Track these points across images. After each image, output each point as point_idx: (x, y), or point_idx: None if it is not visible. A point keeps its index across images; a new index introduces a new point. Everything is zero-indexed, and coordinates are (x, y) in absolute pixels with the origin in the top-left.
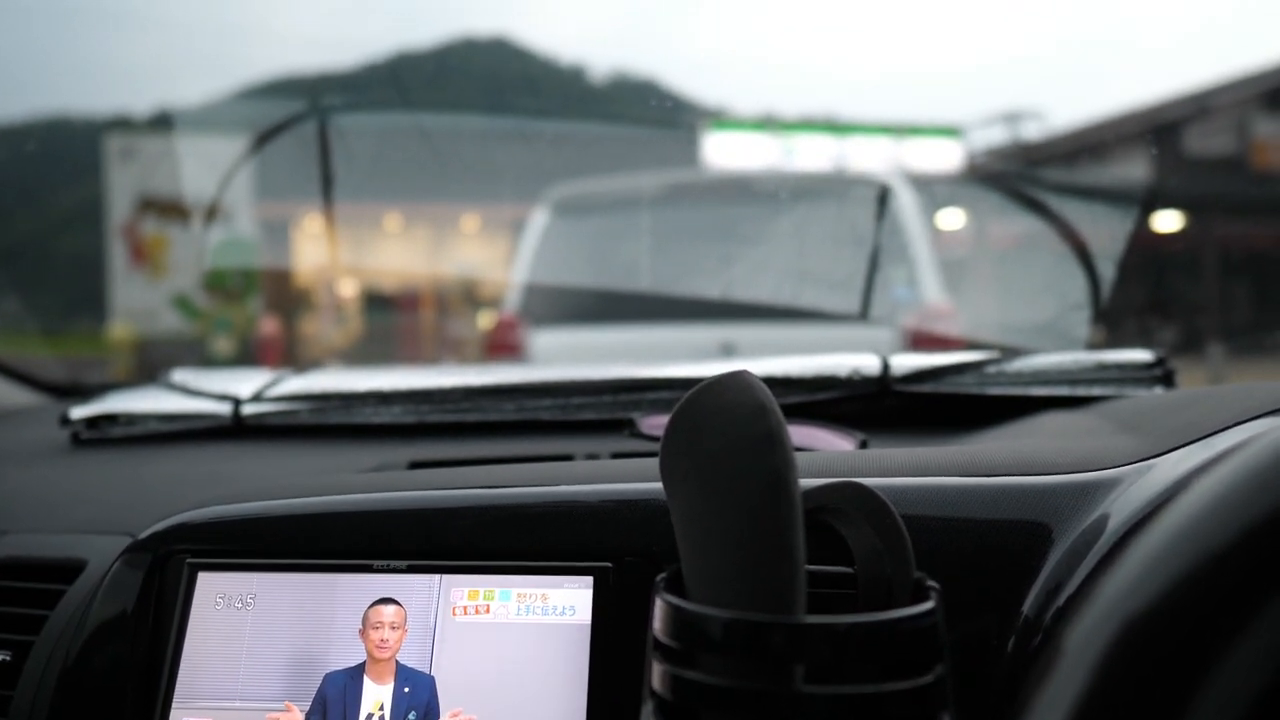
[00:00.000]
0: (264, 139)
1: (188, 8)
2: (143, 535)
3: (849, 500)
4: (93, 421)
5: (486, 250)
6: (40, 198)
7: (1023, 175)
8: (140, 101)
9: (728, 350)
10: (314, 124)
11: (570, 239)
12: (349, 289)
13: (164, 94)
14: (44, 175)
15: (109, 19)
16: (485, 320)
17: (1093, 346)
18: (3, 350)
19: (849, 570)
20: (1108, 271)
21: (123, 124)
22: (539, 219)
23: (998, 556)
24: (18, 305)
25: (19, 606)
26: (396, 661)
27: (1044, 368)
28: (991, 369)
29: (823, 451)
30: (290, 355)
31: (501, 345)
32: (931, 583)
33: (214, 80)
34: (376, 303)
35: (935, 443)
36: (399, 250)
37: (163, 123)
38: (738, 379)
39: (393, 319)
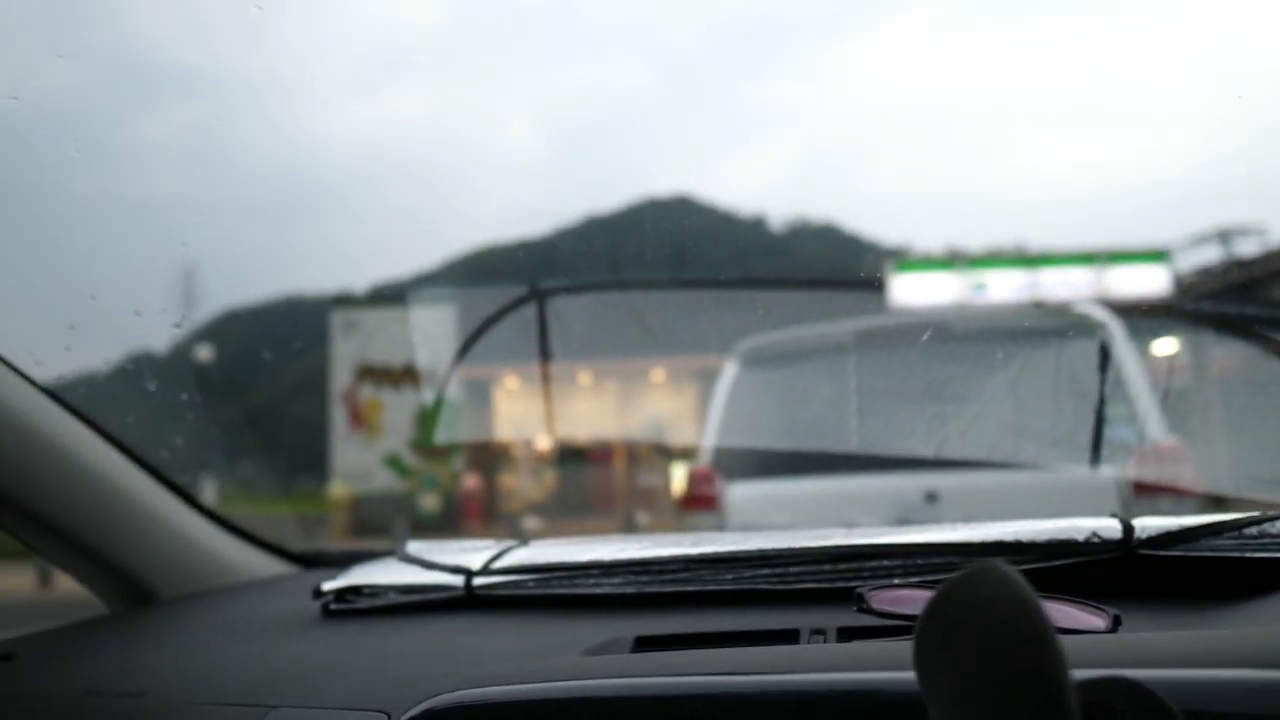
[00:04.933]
0: (492, 321)
1: (399, 196)
2: (400, 718)
3: (1123, 698)
4: (340, 593)
5: (674, 400)
6: (274, 369)
7: (1246, 302)
8: (360, 280)
9: (931, 499)
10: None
11: (760, 390)
12: (543, 443)
13: (381, 271)
14: (278, 349)
15: (332, 210)
16: (678, 471)
17: None
18: (243, 510)
19: None
20: None
21: (345, 300)
22: (728, 371)
23: None
24: (254, 468)
25: None
26: None
27: None
28: (1253, 530)
29: (1081, 636)
30: (490, 509)
31: (697, 498)
32: None
33: (424, 256)
34: (570, 456)
35: (1193, 616)
36: (590, 403)
37: (381, 297)
38: (993, 568)
39: (586, 471)
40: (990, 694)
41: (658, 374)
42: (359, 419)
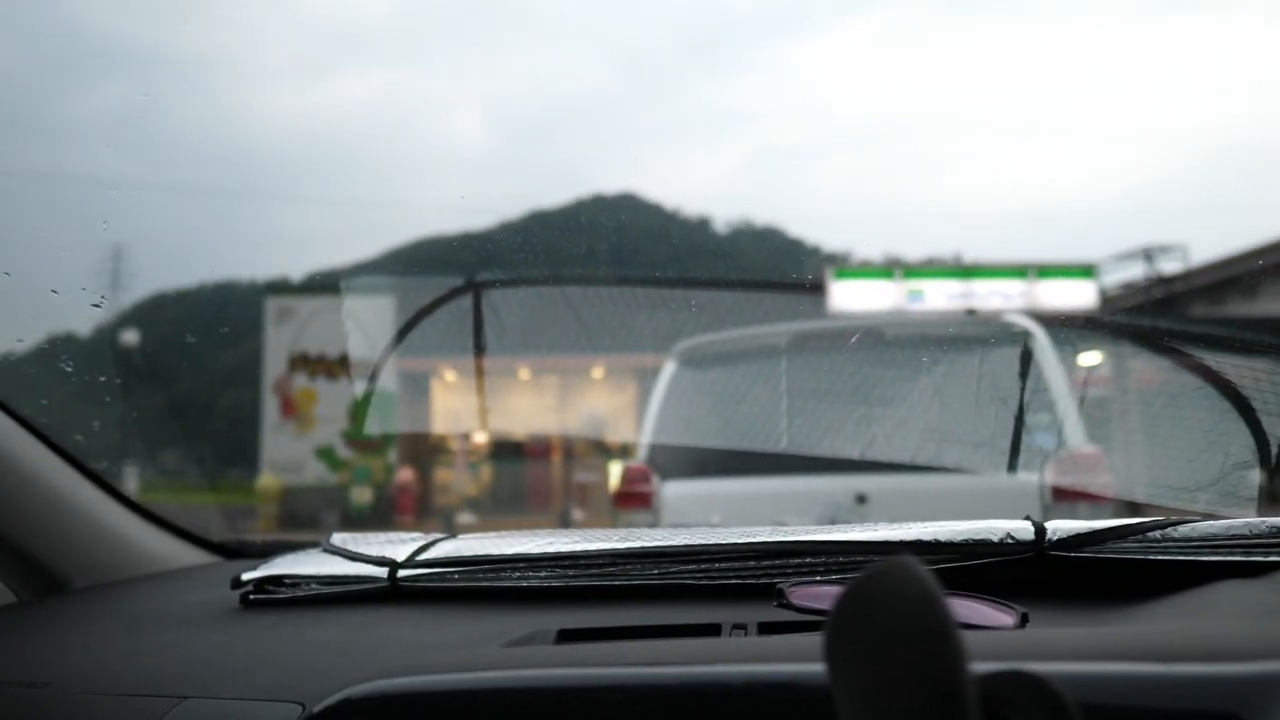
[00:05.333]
0: (425, 312)
1: (340, 183)
2: (315, 709)
3: (1022, 691)
4: (260, 584)
5: (614, 397)
6: (204, 356)
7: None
8: (297, 267)
9: (861, 500)
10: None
11: (697, 390)
12: (480, 437)
13: (319, 259)
14: (209, 335)
15: (270, 195)
16: (616, 469)
17: (1269, 497)
18: (168, 500)
19: None
20: (1276, 426)
21: (280, 287)
22: (666, 370)
23: None
24: (181, 457)
25: None
26: None
27: (1215, 533)
28: (1156, 534)
29: (987, 632)
30: (425, 504)
31: (632, 496)
32: None
33: (365, 245)
34: (507, 451)
35: (1098, 615)
36: (530, 399)
37: (317, 285)
38: (902, 566)
39: (523, 467)
40: (893, 686)
41: (598, 371)
42: (291, 409)
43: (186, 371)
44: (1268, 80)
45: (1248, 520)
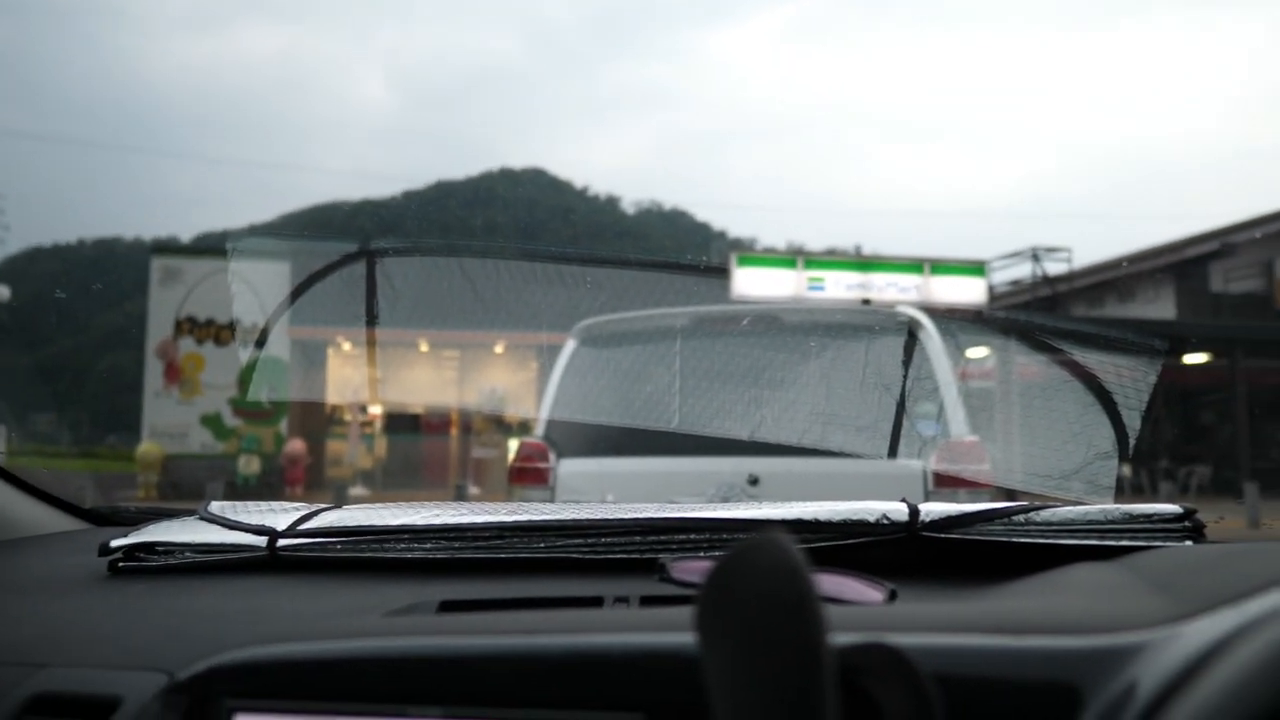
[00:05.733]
0: (315, 278)
1: (236, 141)
2: (181, 676)
3: (879, 661)
4: (130, 551)
5: (516, 373)
6: (84, 316)
7: (1045, 316)
8: (187, 228)
9: (754, 482)
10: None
11: (596, 368)
12: (377, 410)
13: (212, 220)
14: (90, 294)
15: (162, 150)
16: (514, 445)
17: (1133, 488)
18: (39, 466)
19: None
20: (1134, 419)
21: (167, 246)
22: (566, 349)
23: (1028, 719)
24: (54, 422)
25: None
26: None
27: (1073, 518)
28: (1020, 518)
29: (854, 606)
30: (316, 476)
31: (528, 472)
32: None
33: (261, 207)
34: (404, 424)
35: (963, 592)
36: (427, 372)
37: (206, 247)
38: (771, 541)
39: (420, 441)
40: (757, 656)
41: (500, 346)
42: (176, 374)
43: (62, 331)
44: (1152, 98)
45: (1103, 507)
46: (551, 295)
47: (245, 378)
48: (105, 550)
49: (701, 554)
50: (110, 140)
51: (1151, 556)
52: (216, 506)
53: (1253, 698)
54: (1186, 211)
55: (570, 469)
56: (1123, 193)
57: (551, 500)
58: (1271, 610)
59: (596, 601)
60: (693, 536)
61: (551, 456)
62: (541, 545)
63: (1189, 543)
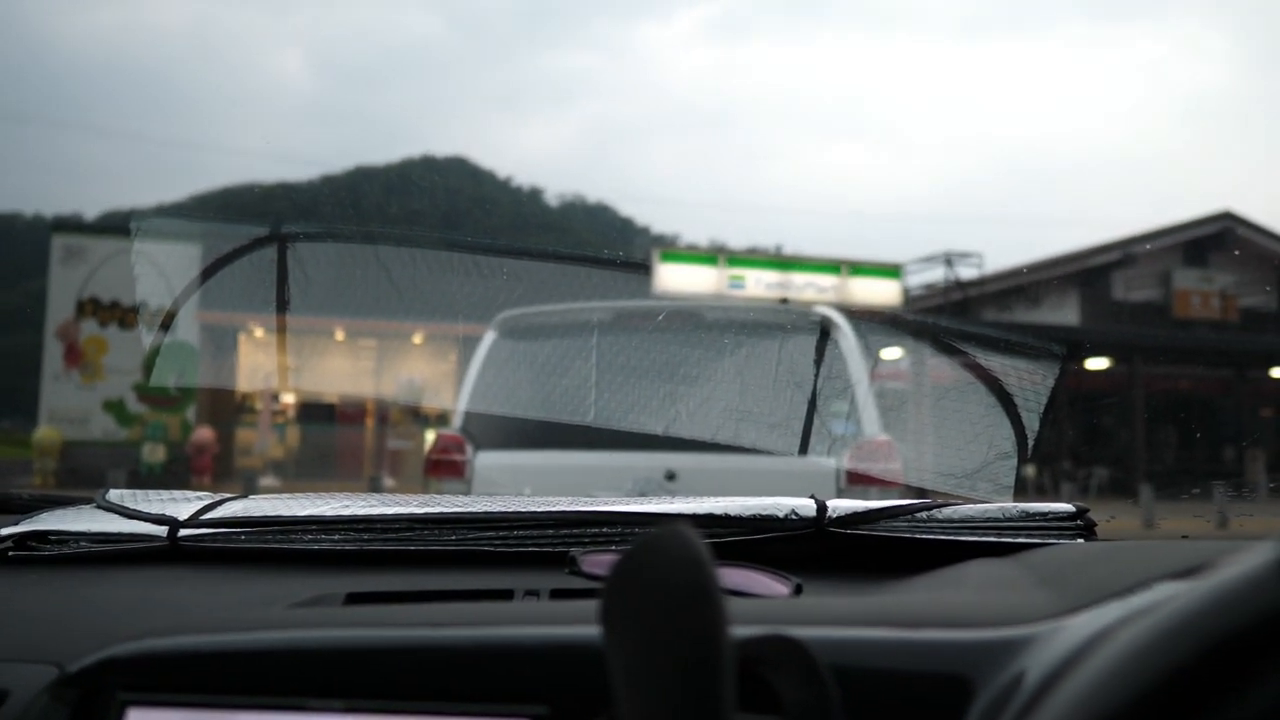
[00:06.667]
0: (225, 260)
1: (144, 116)
2: (72, 668)
3: (779, 653)
4: (21, 539)
5: (434, 364)
6: None
7: (955, 319)
8: (92, 205)
9: (671, 477)
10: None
11: (514, 361)
12: (289, 398)
13: (116, 199)
14: None
15: (63, 123)
16: (431, 437)
17: (1036, 488)
18: None
19: None
20: (1034, 421)
21: (69, 224)
22: (485, 340)
23: (923, 710)
24: None
25: None
26: None
27: (973, 515)
28: (923, 515)
29: (757, 599)
30: (225, 465)
31: (444, 464)
32: None
33: (170, 186)
34: (318, 414)
35: (867, 587)
36: (343, 360)
37: (112, 226)
38: (675, 533)
39: (333, 431)
40: (658, 648)
41: (418, 336)
42: (77, 357)
43: None
44: (1061, 106)
45: (1002, 505)
46: (471, 286)
47: (150, 363)
48: None
49: (613, 547)
50: (8, 110)
51: (1044, 553)
52: (115, 495)
53: (1131, 681)
54: (1084, 216)
55: (487, 462)
56: (1035, 198)
57: (468, 493)
58: (1153, 603)
59: (507, 594)
60: (605, 530)
61: (468, 449)
62: (453, 538)
63: (1080, 540)
